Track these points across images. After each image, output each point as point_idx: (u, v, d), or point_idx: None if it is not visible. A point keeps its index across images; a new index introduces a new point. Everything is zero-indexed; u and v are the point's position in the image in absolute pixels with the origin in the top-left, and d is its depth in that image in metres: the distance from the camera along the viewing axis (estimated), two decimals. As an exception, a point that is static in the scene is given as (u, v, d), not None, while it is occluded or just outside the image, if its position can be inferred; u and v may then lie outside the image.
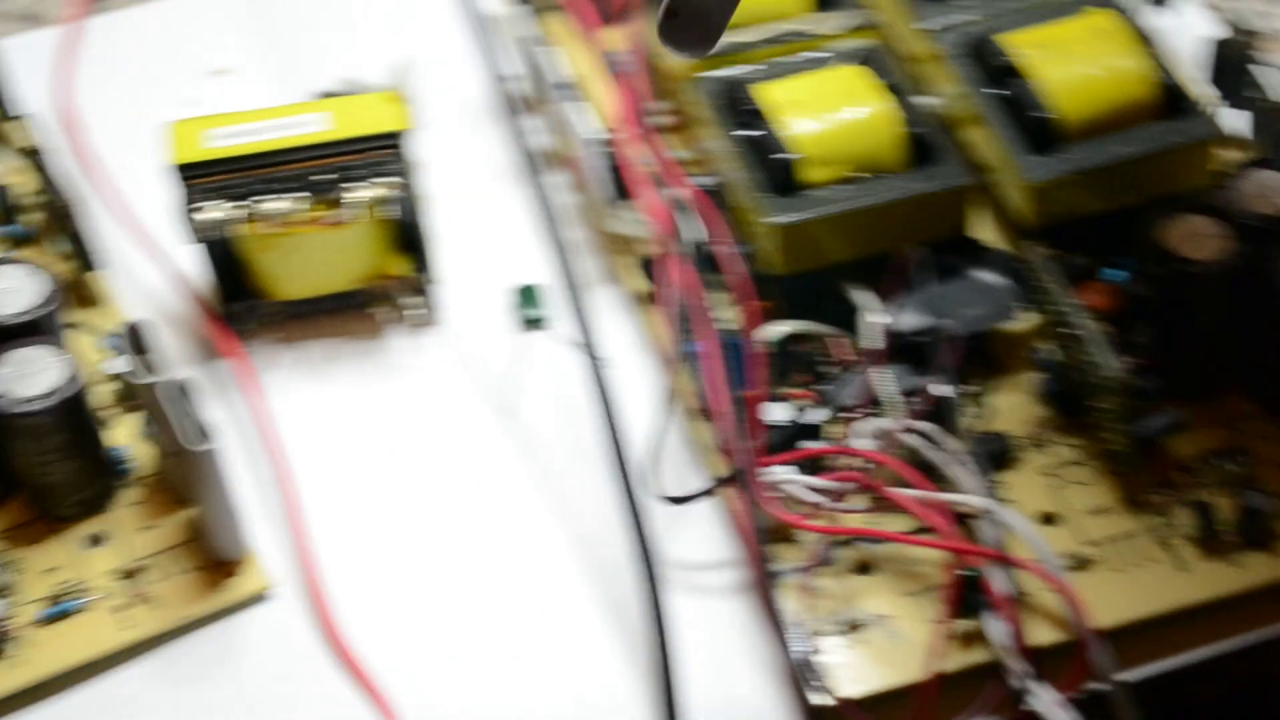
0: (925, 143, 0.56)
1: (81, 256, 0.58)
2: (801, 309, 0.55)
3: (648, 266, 0.58)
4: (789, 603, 0.50)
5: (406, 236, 0.59)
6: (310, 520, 0.54)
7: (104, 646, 0.51)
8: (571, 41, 0.64)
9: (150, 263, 0.61)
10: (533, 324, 0.59)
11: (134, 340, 0.52)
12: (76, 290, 0.59)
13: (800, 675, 0.48)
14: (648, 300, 0.58)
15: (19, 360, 0.52)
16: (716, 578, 0.53)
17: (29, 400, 0.51)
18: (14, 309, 0.53)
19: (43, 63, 0.68)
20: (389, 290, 0.59)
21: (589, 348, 0.53)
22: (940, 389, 0.52)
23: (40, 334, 0.53)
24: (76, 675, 0.51)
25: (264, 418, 0.56)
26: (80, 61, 0.68)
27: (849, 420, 0.53)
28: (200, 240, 0.57)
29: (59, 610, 0.52)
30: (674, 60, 0.59)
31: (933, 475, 0.51)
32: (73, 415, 0.52)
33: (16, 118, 0.63)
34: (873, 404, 0.53)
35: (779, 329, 0.54)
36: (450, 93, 0.66)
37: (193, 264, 0.59)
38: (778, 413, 0.52)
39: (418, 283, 0.59)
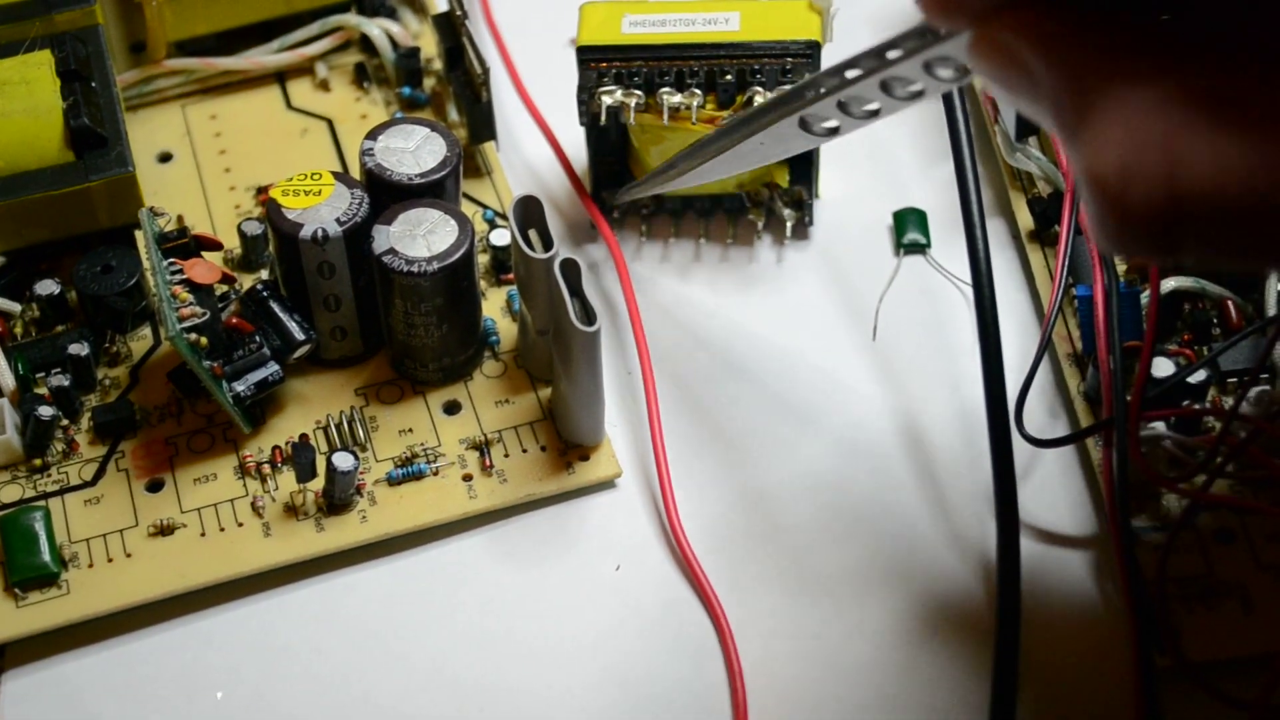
0: None
1: (475, 126, 0.63)
2: (1197, 266, 0.55)
3: (1039, 204, 0.60)
4: (1142, 560, 0.51)
5: (795, 147, 0.62)
6: (660, 415, 0.57)
7: (448, 513, 0.55)
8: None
9: (534, 139, 0.65)
10: (912, 249, 0.62)
11: (525, 215, 0.55)
12: (465, 159, 0.62)
13: (1148, 634, 0.50)
14: (1033, 238, 0.60)
15: (412, 220, 0.55)
16: (1067, 525, 0.54)
17: (413, 261, 0.54)
18: (413, 169, 0.56)
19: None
20: (768, 199, 0.62)
21: (979, 277, 0.54)
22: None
23: (435, 196, 0.56)
24: (417, 538, 0.55)
25: (632, 307, 0.60)
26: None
27: (1235, 385, 0.55)
28: (590, 123, 0.60)
29: (409, 472, 0.56)
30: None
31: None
32: (455, 282, 0.55)
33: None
34: (1262, 372, 0.54)
35: (1170, 283, 0.55)
36: (860, 6, 0.68)
37: (577, 146, 0.63)
38: (1160, 368, 0.53)
39: (798, 195, 0.62)
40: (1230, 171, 0.36)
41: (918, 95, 0.46)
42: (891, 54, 0.45)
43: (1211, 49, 0.38)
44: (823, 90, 0.47)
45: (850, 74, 0.46)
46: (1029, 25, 0.39)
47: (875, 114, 0.47)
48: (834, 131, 0.49)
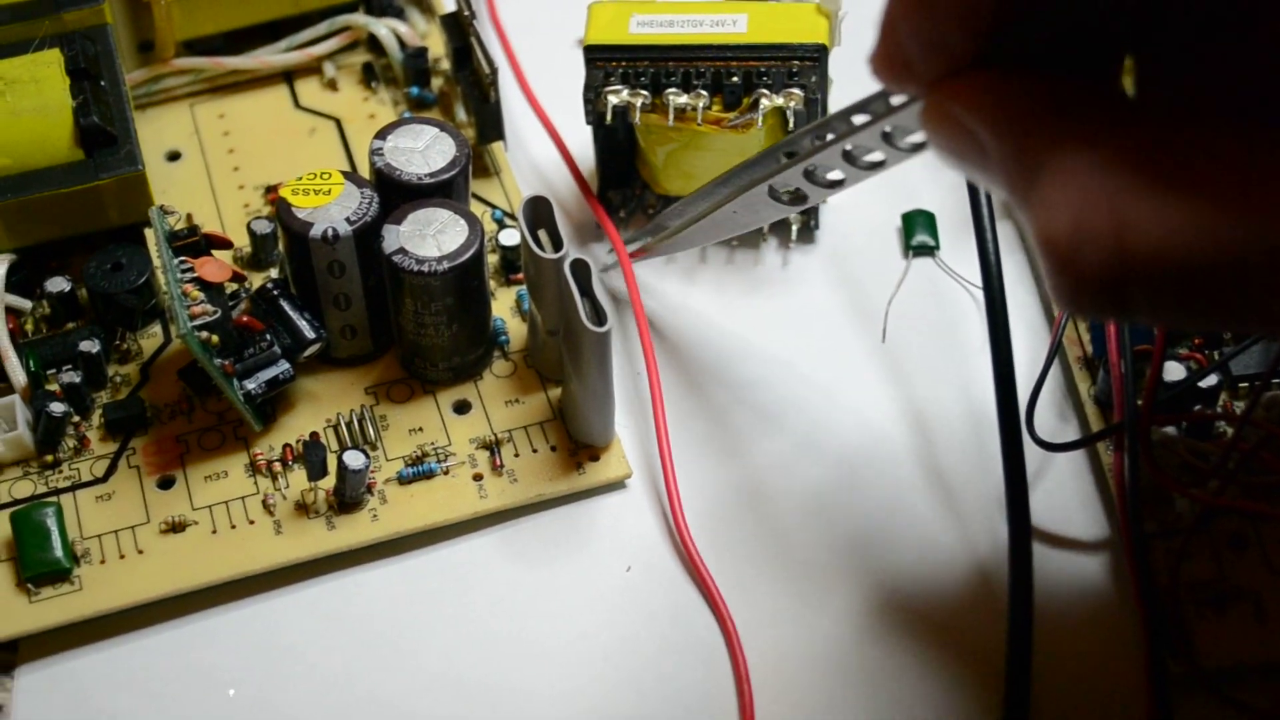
0: None
1: (483, 126, 0.62)
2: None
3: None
4: (1154, 566, 0.51)
5: (801, 149, 0.62)
6: (666, 416, 0.57)
7: (458, 512, 0.55)
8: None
9: (540, 140, 0.65)
10: (921, 251, 0.61)
11: (534, 215, 0.55)
12: (474, 159, 0.61)
13: (1160, 640, 0.50)
14: (1042, 242, 0.61)
15: (421, 219, 0.55)
16: (1079, 530, 0.54)
17: (424, 261, 0.54)
18: (423, 169, 0.56)
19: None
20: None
21: (989, 279, 0.54)
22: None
23: (445, 196, 0.56)
24: (427, 537, 0.55)
25: (637, 308, 0.59)
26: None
27: (1246, 390, 0.54)
28: (596, 123, 0.60)
29: (419, 471, 0.55)
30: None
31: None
32: (465, 282, 0.54)
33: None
34: (1273, 377, 0.53)
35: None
36: (868, 8, 0.69)
37: (583, 146, 0.63)
38: (1171, 372, 0.53)
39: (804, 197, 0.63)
40: (1175, 233, 0.36)
41: (878, 165, 0.46)
42: (857, 119, 0.45)
43: (1157, 110, 0.38)
44: (785, 160, 0.49)
45: (816, 141, 0.47)
46: (974, 93, 0.40)
47: (840, 184, 0.48)
48: (801, 198, 0.49)
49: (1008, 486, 0.52)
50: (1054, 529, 0.54)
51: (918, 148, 0.44)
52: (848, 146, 0.46)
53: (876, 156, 0.46)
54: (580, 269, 0.53)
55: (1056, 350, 0.55)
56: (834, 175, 0.48)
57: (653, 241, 0.58)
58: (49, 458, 0.56)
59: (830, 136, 0.47)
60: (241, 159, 0.64)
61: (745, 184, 0.51)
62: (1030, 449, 0.53)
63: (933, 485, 0.56)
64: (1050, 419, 0.56)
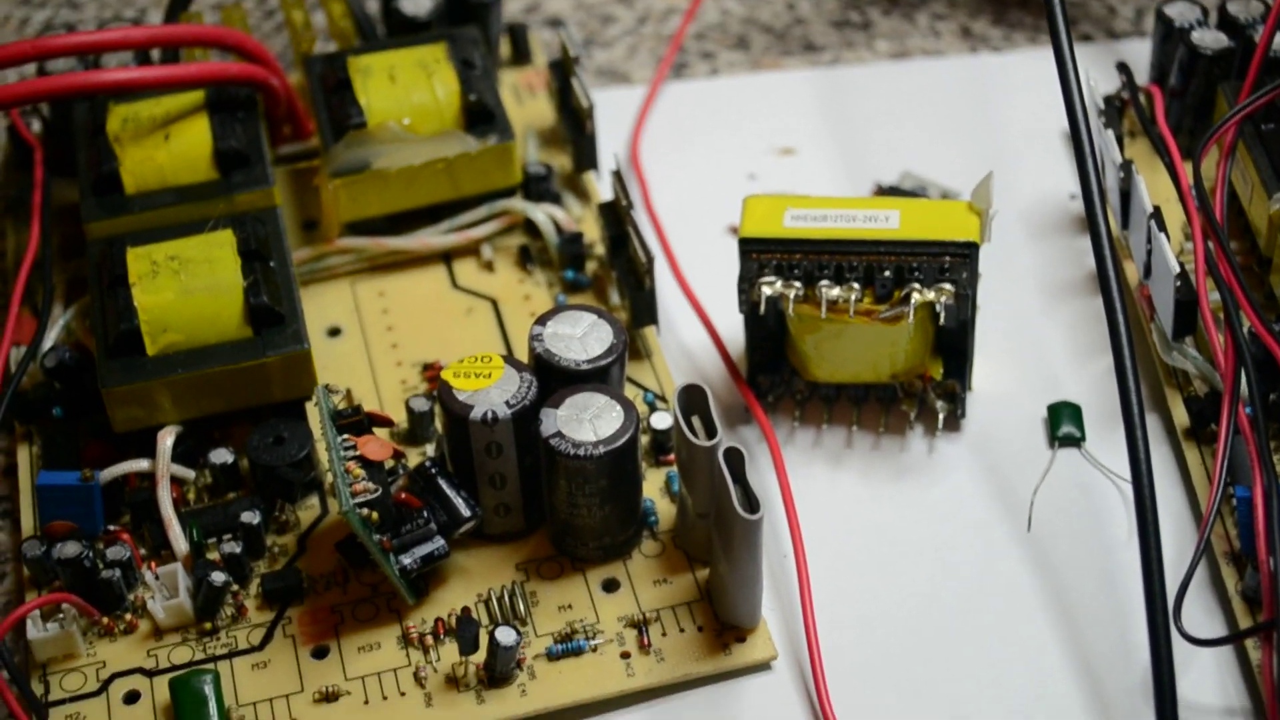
0: None
1: (638, 311, 0.64)
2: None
3: (1195, 403, 0.60)
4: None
5: (950, 342, 0.62)
6: (813, 600, 0.58)
7: (605, 690, 0.55)
8: (1151, 169, 0.67)
9: (690, 323, 0.66)
10: (1067, 442, 0.62)
11: (688, 402, 0.56)
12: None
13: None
14: (1189, 436, 0.61)
15: (578, 404, 0.56)
16: (1225, 727, 0.54)
17: (580, 445, 0.55)
18: (581, 355, 0.58)
19: (620, 120, 0.75)
20: (920, 390, 0.63)
21: (1138, 473, 0.55)
22: None
23: (601, 381, 0.57)
24: (575, 713, 0.55)
25: (785, 492, 0.60)
26: (652, 123, 0.74)
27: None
28: (749, 311, 0.61)
29: (568, 648, 0.56)
30: (1259, 202, 0.61)
31: None
32: (619, 466, 0.56)
33: (595, 169, 0.70)
34: None
35: (1329, 487, 0.55)
36: (1015, 205, 0.70)
37: (731, 330, 0.64)
38: (1321, 571, 0.53)
39: (951, 387, 0.62)
40: None
41: None
42: None
43: None
44: None
45: None
46: None
47: None
48: None
49: (1155, 680, 0.52)
50: (1200, 723, 0.54)
51: None
52: None
53: None
54: (734, 456, 0.54)
55: (1205, 546, 0.56)
56: None
57: None
58: (207, 625, 0.57)
59: None
60: (400, 336, 0.66)
61: None
62: (1177, 643, 0.53)
63: (1078, 676, 0.56)
64: (1196, 613, 0.56)
